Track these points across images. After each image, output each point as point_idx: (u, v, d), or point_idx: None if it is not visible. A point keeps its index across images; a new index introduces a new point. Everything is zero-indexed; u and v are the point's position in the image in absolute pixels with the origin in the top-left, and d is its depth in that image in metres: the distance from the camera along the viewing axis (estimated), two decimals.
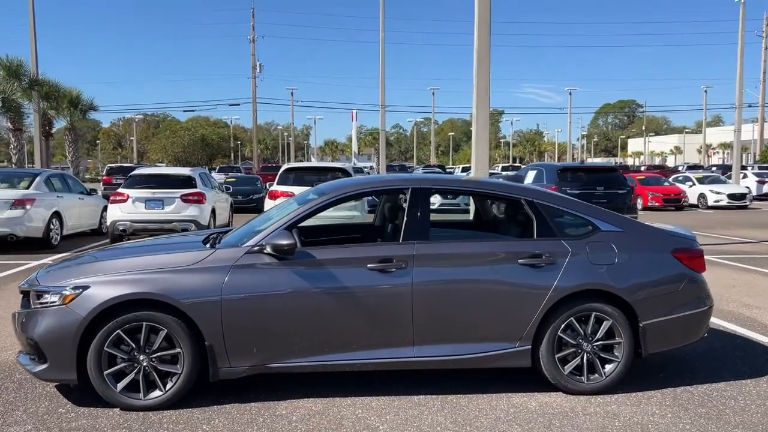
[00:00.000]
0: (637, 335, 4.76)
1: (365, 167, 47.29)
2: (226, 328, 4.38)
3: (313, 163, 22.25)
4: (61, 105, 30.93)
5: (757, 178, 33.46)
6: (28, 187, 12.81)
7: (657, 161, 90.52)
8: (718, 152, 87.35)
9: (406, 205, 4.77)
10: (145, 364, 4.37)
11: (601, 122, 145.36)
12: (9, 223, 12.00)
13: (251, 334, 4.43)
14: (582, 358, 4.73)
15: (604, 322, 4.73)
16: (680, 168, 49.69)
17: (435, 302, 4.57)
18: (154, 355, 4.38)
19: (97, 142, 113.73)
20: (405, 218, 4.71)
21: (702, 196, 27.81)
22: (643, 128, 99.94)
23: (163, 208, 12.60)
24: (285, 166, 13.39)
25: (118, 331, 4.31)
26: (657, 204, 26.31)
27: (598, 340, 4.74)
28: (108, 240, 13.05)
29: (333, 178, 11.90)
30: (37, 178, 13.12)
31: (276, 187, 12.30)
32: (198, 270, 4.41)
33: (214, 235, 5.27)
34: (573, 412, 4.43)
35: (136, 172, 14.15)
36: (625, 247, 4.81)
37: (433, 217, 4.88)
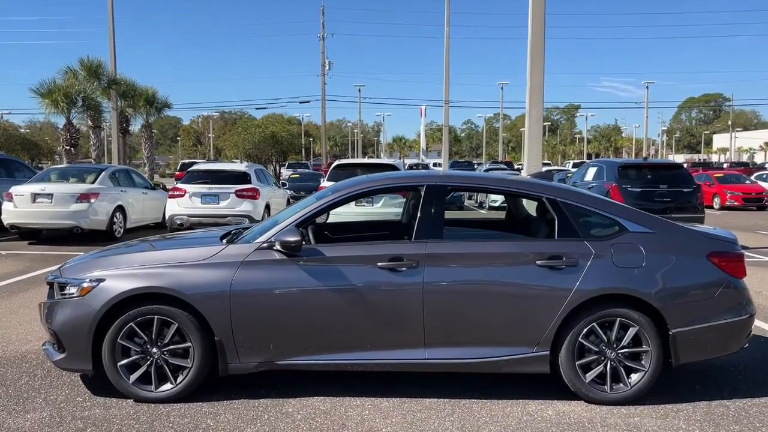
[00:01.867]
0: (667, 344, 4.46)
1: (433, 163, 47.10)
2: (235, 323, 4.38)
3: (363, 159, 22.25)
4: (138, 103, 32.40)
5: None
6: (93, 182, 13.39)
7: (744, 158, 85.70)
8: None
9: (420, 203, 4.64)
10: (156, 357, 4.44)
11: (684, 117, 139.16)
12: (74, 216, 12.59)
13: (260, 331, 4.42)
14: (605, 366, 4.48)
15: (630, 329, 4.45)
16: (767, 165, 46.84)
17: (447, 303, 4.42)
18: (166, 349, 4.44)
19: (178, 138, 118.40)
20: (418, 216, 4.59)
21: None
22: (730, 123, 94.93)
23: (218, 203, 12.90)
24: (335, 163, 13.44)
25: (131, 323, 4.39)
26: (736, 203, 24.92)
27: (623, 348, 4.47)
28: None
29: None
30: (102, 174, 13.70)
31: (326, 184, 12.34)
32: (208, 265, 4.43)
33: (237, 231, 5.30)
34: (591, 423, 4.19)
35: (194, 167, 14.55)
36: (655, 249, 4.51)
37: (450, 215, 4.73)
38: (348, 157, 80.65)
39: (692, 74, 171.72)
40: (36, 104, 26.02)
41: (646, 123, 64.86)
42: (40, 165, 51.96)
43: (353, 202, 5.03)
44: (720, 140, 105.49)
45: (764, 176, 28.94)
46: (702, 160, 75.17)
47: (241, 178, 13.43)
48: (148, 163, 35.03)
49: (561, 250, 4.48)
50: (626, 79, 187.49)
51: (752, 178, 28.56)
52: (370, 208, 9.89)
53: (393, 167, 12.27)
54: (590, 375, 4.48)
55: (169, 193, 13.57)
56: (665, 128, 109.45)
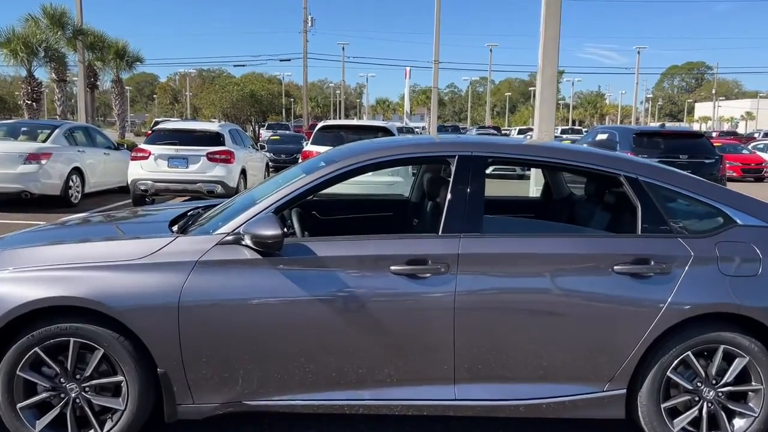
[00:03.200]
0: None
1: (417, 127, 45.60)
2: (187, 349, 3.07)
3: (352, 121, 20.67)
4: (107, 56, 30.22)
5: None
6: (45, 141, 11.83)
7: (725, 127, 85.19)
8: None
9: (450, 181, 3.32)
10: (75, 395, 3.12)
11: (666, 85, 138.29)
12: (22, 179, 11.07)
13: (222, 359, 3.12)
14: (701, 410, 3.26)
15: (737, 360, 3.23)
16: (756, 135, 46.04)
17: (487, 323, 3.15)
18: (88, 384, 3.13)
19: (154, 96, 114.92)
20: (447, 201, 3.27)
21: None
22: (713, 91, 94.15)
23: (187, 167, 11.41)
24: (321, 124, 11.99)
25: (35, 349, 3.07)
26: (734, 174, 23.88)
27: (725, 385, 3.25)
28: (130, 200, 12.03)
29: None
30: (56, 131, 12.13)
31: (310, 147, 10.93)
32: (148, 266, 3.09)
33: (195, 213, 3.95)
34: None
35: (160, 126, 13.01)
36: None
37: (489, 192, 3.41)
38: (330, 119, 78.51)
39: (675, 40, 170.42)
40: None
41: (636, 89, 63.83)
42: (8, 119, 49.37)
43: None
44: (702, 109, 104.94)
45: (761, 146, 27.95)
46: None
47: (214, 139, 11.91)
48: (119, 121, 33.01)
49: (648, 250, 3.21)
50: (609, 45, 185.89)
51: (750, 147, 27.58)
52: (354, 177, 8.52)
53: (385, 130, 10.89)
54: (680, 422, 3.26)
55: (132, 154, 12.04)
56: (650, 96, 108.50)
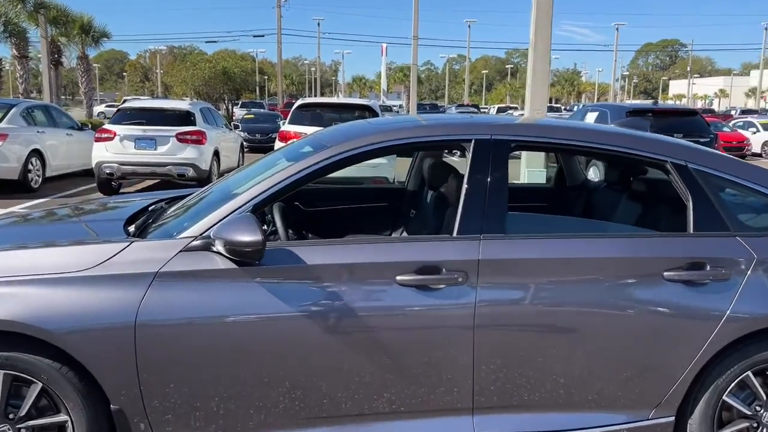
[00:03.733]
0: None
1: (394, 105, 44.87)
2: (146, 381, 2.49)
3: (333, 99, 19.87)
4: (71, 31, 28.92)
5: None
6: (0, 121, 10.99)
7: (699, 105, 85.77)
8: None
9: (466, 171, 2.75)
10: None
11: (641, 62, 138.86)
12: None
13: (191, 391, 2.54)
14: None
15: None
16: (732, 112, 46.17)
17: (513, 343, 2.62)
18: (24, 425, 2.53)
19: (124, 74, 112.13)
20: (463, 195, 2.70)
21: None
22: (688, 69, 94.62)
23: (155, 149, 10.68)
24: (299, 102, 11.31)
25: None
26: None
27: None
28: (95, 185, 11.28)
29: (358, 118, 9.88)
30: (12, 110, 11.28)
31: (288, 127, 10.28)
32: (95, 279, 2.48)
33: (158, 208, 3.34)
34: None
35: (126, 105, 12.22)
36: None
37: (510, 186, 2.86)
38: (306, 97, 77.25)
39: (649, 17, 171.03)
40: None
41: (614, 67, 63.68)
42: None
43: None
44: (676, 86, 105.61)
45: (741, 124, 27.82)
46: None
47: (184, 118, 11.17)
48: (85, 100, 31.74)
49: (703, 252, 2.69)
50: (584, 22, 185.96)
51: (730, 125, 27.43)
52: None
53: (370, 109, 10.28)
54: None
55: (96, 135, 11.26)
56: (626, 73, 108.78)
